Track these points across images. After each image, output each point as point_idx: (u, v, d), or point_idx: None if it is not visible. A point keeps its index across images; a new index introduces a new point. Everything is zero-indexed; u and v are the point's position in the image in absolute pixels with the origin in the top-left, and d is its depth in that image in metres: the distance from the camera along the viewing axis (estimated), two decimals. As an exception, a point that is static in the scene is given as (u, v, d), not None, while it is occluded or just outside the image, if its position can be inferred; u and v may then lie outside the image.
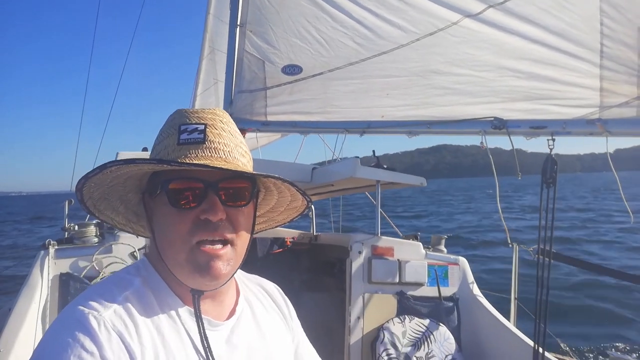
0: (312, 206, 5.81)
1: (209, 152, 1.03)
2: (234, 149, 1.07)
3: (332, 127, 4.58)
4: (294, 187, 1.12)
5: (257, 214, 1.16)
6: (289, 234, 5.11)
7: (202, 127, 1.05)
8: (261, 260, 4.80)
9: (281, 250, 4.92)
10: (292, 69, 4.71)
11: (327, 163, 5.22)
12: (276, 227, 1.34)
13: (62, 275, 3.32)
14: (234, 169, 1.02)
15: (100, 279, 3.32)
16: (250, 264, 4.69)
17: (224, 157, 1.04)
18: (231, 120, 1.12)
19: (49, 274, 3.29)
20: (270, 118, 4.77)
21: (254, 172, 1.06)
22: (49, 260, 3.32)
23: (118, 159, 3.57)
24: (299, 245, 5.07)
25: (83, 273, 3.36)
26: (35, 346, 0.95)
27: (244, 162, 1.08)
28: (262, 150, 6.67)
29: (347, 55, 4.45)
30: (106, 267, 3.41)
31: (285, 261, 4.92)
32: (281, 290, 1.37)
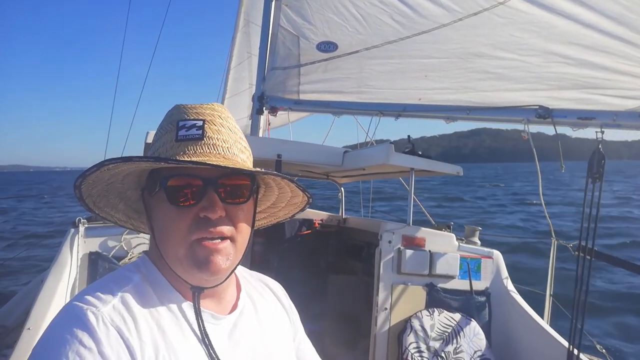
0: (342, 189, 5.71)
1: (208, 148, 1.01)
2: (233, 145, 1.05)
3: (366, 108, 4.45)
4: (293, 183, 1.11)
5: (258, 209, 1.16)
6: (318, 215, 5.03)
7: (200, 123, 1.03)
8: (289, 241, 4.74)
9: (309, 232, 4.86)
10: (327, 46, 4.57)
11: (359, 146, 5.08)
12: (277, 222, 1.33)
13: (91, 254, 3.31)
14: (232, 166, 0.99)
15: (129, 259, 3.30)
16: (278, 245, 4.60)
17: (222, 153, 1.02)
18: (230, 115, 1.10)
19: (78, 252, 3.28)
20: (302, 97, 4.66)
21: (253, 169, 1.04)
22: (78, 238, 3.31)
23: (147, 138, 3.53)
24: (327, 227, 4.99)
25: (112, 253, 3.34)
26: None
27: (243, 159, 1.07)
28: (292, 127, 6.56)
29: (385, 34, 4.29)
30: (134, 247, 3.39)
31: (313, 243, 4.85)
32: (283, 289, 1.37)
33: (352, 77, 4.50)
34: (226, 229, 1.02)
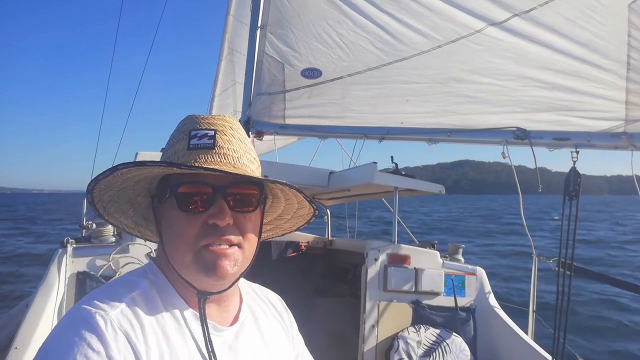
0: (328, 211, 5.78)
1: (218, 157, 1.04)
2: (242, 155, 1.07)
3: (350, 132, 4.56)
4: (301, 193, 1.12)
5: (265, 221, 1.18)
6: (304, 238, 5.08)
7: (212, 132, 1.06)
8: (275, 263, 4.78)
9: (295, 254, 4.89)
10: (311, 73, 4.69)
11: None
12: (283, 235, 1.34)
13: (79, 273, 3.33)
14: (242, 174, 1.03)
15: None
16: (264, 267, 4.64)
17: (232, 162, 1.04)
18: (240, 127, 1.13)
19: (66, 272, 3.30)
20: (288, 121, 4.75)
21: (262, 178, 1.07)
22: (66, 258, 3.33)
23: (137, 159, 3.58)
24: (313, 249, 5.04)
25: (100, 272, 3.36)
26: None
27: (252, 169, 1.09)
28: (278, 153, 6.65)
29: (367, 60, 4.42)
30: (122, 267, 3.41)
31: (299, 265, 4.89)
32: (283, 301, 1.38)
33: (336, 103, 4.62)
34: (234, 237, 1.04)
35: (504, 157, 3.79)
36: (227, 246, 1.03)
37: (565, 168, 3.47)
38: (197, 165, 1.01)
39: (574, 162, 3.45)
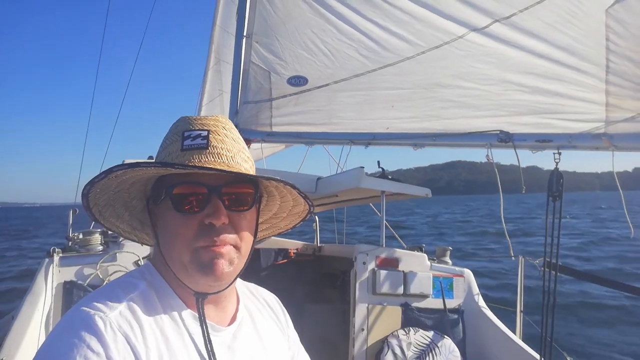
0: (316, 217, 5.80)
1: (212, 157, 1.04)
2: (236, 154, 1.08)
3: (337, 138, 4.60)
4: (295, 189, 1.13)
5: (261, 220, 1.18)
6: (293, 245, 5.10)
7: (205, 133, 1.06)
8: (264, 271, 4.78)
9: (285, 261, 4.91)
10: (297, 80, 4.73)
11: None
12: (279, 233, 1.35)
13: (66, 283, 3.31)
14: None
15: None
16: (254, 275, 4.66)
17: (226, 162, 1.05)
18: (234, 127, 1.14)
19: (53, 282, 3.28)
20: (275, 129, 4.78)
21: (257, 175, 1.08)
22: (53, 268, 3.31)
23: None
24: (302, 256, 5.06)
25: (87, 281, 3.35)
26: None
27: (246, 168, 1.09)
28: (267, 161, 6.68)
29: (352, 67, 4.47)
30: (110, 275, 3.40)
31: (289, 272, 4.90)
32: (279, 301, 1.38)
33: (322, 109, 4.65)
34: (230, 236, 1.05)
35: (488, 160, 3.84)
36: (223, 246, 1.04)
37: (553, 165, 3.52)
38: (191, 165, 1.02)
39: (557, 163, 3.51)
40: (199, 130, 1.07)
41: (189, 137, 1.06)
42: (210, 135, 1.06)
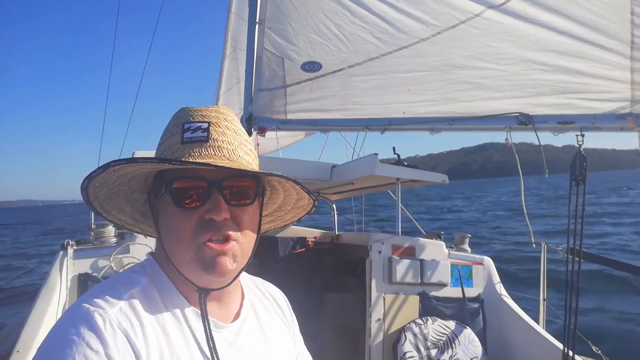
0: (334, 205, 5.74)
1: (213, 150, 1.02)
2: (237, 147, 1.05)
3: (352, 124, 4.50)
4: (298, 184, 1.10)
5: (264, 213, 1.17)
6: (311, 233, 5.05)
7: (205, 125, 1.04)
8: (283, 260, 4.75)
9: (303, 250, 4.87)
10: (311, 66, 4.64)
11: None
12: (284, 225, 1.32)
13: (80, 275, 3.34)
14: (237, 167, 1.00)
15: None
16: (272, 264, 4.62)
17: (227, 155, 1.03)
18: (235, 118, 1.11)
19: (67, 274, 3.31)
20: (290, 116, 4.71)
21: (257, 171, 1.05)
22: (67, 260, 3.34)
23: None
24: (320, 245, 5.01)
25: (101, 273, 3.36)
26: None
27: (248, 161, 1.07)
28: (286, 149, 6.61)
29: (366, 51, 4.37)
30: (124, 266, 3.41)
31: (307, 261, 4.86)
32: (285, 296, 1.36)
33: (337, 95, 4.57)
34: (231, 231, 1.02)
35: (507, 144, 3.70)
36: (225, 241, 1.02)
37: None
38: (190, 159, 1.00)
39: (580, 145, 3.36)
40: (199, 122, 1.05)
41: (189, 129, 1.04)
42: (210, 128, 1.04)
